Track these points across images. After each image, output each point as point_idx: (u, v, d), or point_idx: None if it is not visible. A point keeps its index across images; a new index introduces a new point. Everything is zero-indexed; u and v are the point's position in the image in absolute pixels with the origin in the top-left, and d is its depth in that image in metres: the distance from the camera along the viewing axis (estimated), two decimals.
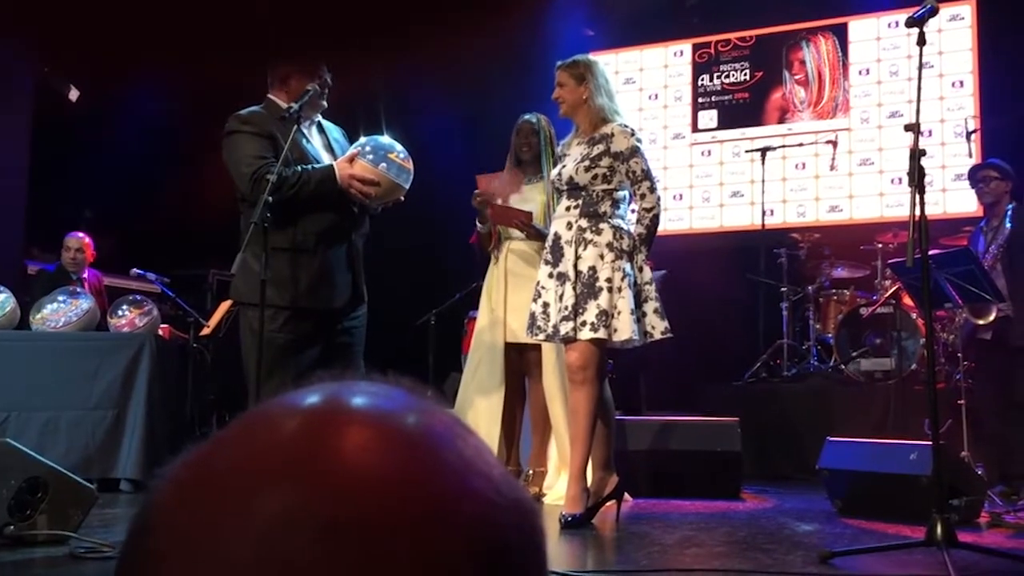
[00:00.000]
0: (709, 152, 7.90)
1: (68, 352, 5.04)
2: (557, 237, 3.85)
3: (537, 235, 4.46)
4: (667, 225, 7.93)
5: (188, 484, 0.43)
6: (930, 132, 6.93)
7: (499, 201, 4.52)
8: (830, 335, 6.22)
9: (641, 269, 3.82)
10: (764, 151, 6.97)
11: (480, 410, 4.55)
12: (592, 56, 4.02)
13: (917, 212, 2.89)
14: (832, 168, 7.19)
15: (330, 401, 0.45)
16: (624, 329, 3.66)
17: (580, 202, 3.82)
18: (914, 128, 2.99)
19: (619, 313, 3.67)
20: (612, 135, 3.83)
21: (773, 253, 6.63)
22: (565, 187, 3.87)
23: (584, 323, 3.67)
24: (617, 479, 3.88)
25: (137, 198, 7.33)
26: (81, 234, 6.37)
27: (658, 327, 3.80)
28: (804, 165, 7.56)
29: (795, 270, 6.59)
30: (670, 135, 8.05)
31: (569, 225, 3.82)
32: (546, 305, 3.84)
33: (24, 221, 7.30)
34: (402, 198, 3.72)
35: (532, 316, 3.90)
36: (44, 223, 7.20)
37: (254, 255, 3.47)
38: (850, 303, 6.27)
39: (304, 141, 3.67)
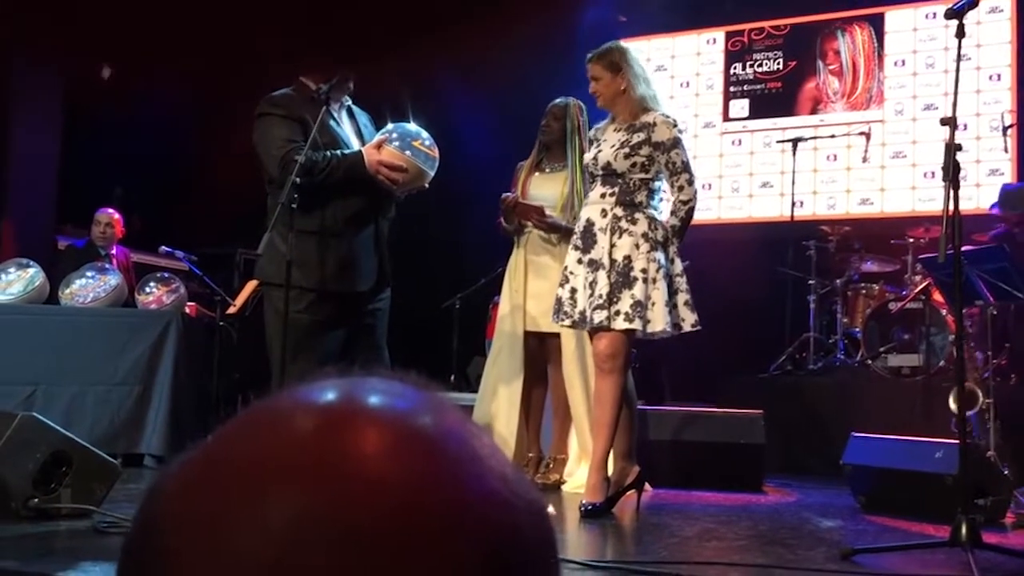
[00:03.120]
0: (740, 141, 7.83)
1: (96, 328, 5.08)
2: (590, 224, 3.78)
3: (551, 228, 4.43)
4: (695, 215, 7.87)
5: (200, 478, 0.42)
6: (965, 126, 6.82)
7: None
8: (858, 329, 6.16)
9: (673, 260, 3.78)
10: (795, 142, 6.90)
11: (501, 397, 4.55)
12: (623, 43, 3.96)
13: (951, 207, 2.84)
14: (864, 160, 7.11)
15: (345, 399, 0.44)
16: (658, 320, 3.63)
17: (616, 189, 3.76)
18: (950, 122, 2.94)
19: (653, 304, 3.64)
20: (655, 124, 3.76)
21: (802, 245, 6.56)
22: (600, 172, 3.80)
23: (618, 312, 3.62)
24: (638, 469, 3.87)
25: (166, 176, 7.37)
26: (111, 210, 6.45)
27: (688, 319, 3.76)
28: (836, 157, 7.48)
29: (824, 263, 6.52)
30: (701, 124, 7.98)
31: (604, 212, 3.75)
32: (574, 291, 3.78)
33: (55, 197, 7.37)
34: (426, 185, 3.73)
35: (559, 301, 3.85)
36: (75, 200, 7.26)
37: (280, 236, 3.49)
38: (879, 298, 6.20)
39: (334, 124, 3.69)
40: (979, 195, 6.87)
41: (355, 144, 3.70)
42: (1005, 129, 6.14)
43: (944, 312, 5.62)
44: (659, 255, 3.69)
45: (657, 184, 3.81)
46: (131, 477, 4.13)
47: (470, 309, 6.67)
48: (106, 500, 3.26)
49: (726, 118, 7.90)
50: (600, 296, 3.67)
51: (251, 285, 6.12)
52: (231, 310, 5.93)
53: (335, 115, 3.73)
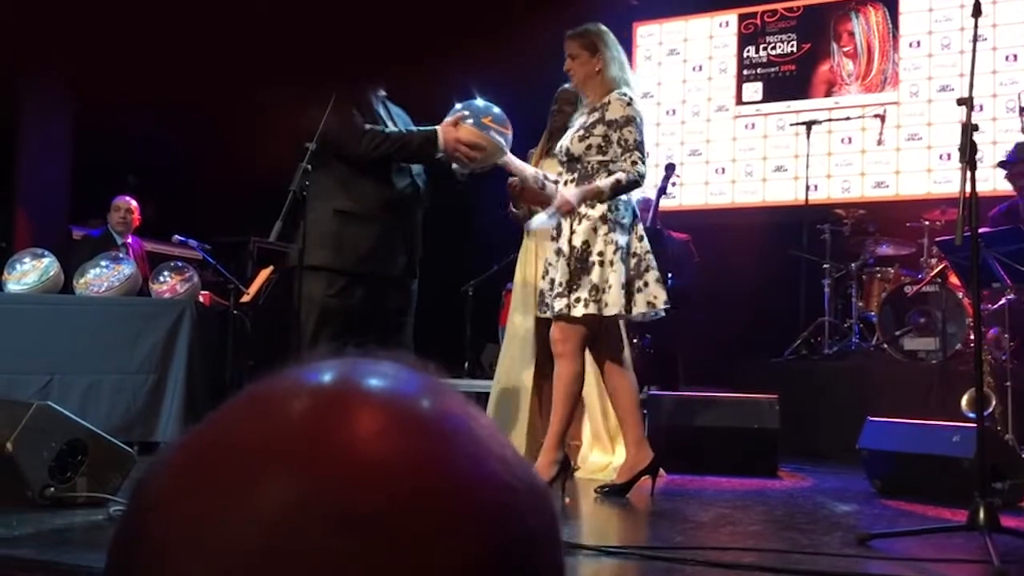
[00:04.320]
0: (753, 125, 7.78)
1: (110, 317, 5.10)
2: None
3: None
4: (708, 199, 7.85)
5: (190, 465, 0.41)
6: (981, 107, 6.75)
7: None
8: (873, 313, 6.12)
9: (641, 239, 3.75)
10: (810, 124, 6.86)
11: (514, 383, 4.55)
12: (603, 27, 3.88)
13: (968, 189, 2.81)
14: (879, 143, 7.05)
15: (342, 381, 0.43)
16: (614, 303, 3.60)
17: (576, 175, 3.74)
18: (967, 102, 2.91)
19: (609, 287, 3.61)
20: (608, 103, 3.71)
21: (816, 229, 6.53)
22: (564, 159, 3.79)
23: (578, 300, 3.61)
24: (652, 455, 3.85)
25: (179, 164, 7.38)
26: (128, 197, 6.49)
27: (660, 297, 3.72)
28: (850, 139, 7.42)
29: (838, 246, 6.48)
30: (714, 107, 7.93)
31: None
32: (552, 281, 3.78)
33: (69, 187, 7.39)
34: (499, 163, 3.74)
35: (540, 292, 3.86)
36: (89, 189, 7.28)
37: (311, 220, 3.56)
38: (894, 281, 6.16)
39: (383, 110, 3.76)
40: (995, 176, 6.80)
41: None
42: (1021, 110, 6.08)
43: (960, 295, 5.57)
44: (618, 236, 3.64)
45: (618, 166, 3.72)
46: (147, 466, 4.15)
47: (483, 296, 6.67)
48: (122, 489, 3.27)
49: (739, 101, 7.85)
50: (560, 284, 3.66)
51: (264, 273, 6.14)
52: (245, 298, 5.94)
53: (378, 104, 3.82)
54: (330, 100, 3.72)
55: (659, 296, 3.72)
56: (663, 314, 3.78)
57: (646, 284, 3.71)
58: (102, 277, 5.31)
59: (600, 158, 3.71)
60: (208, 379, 5.24)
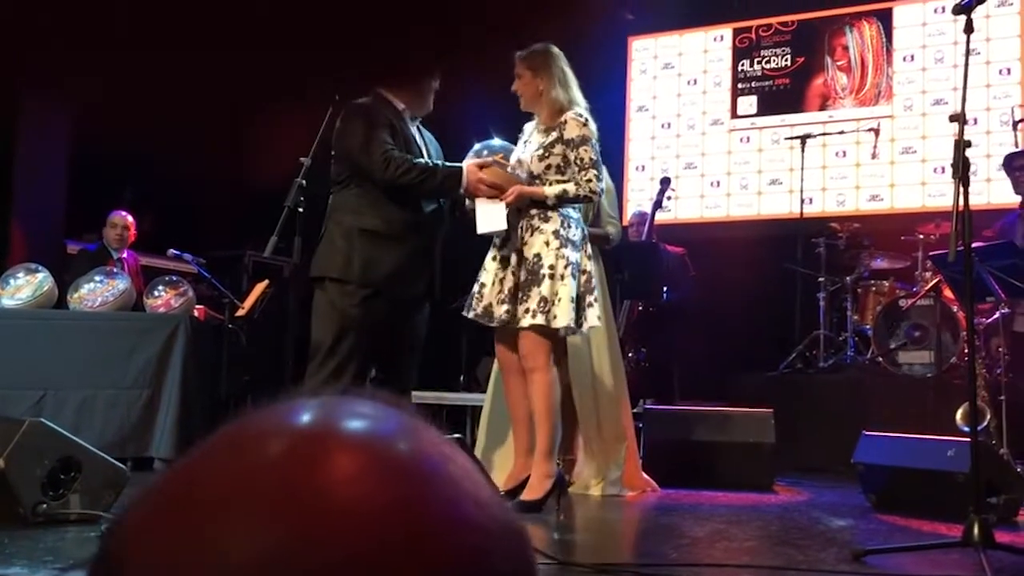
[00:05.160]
0: (748, 139, 7.80)
1: (104, 332, 5.08)
2: (509, 223, 3.84)
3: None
4: (704, 212, 7.86)
5: (161, 510, 0.40)
6: (975, 120, 6.78)
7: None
8: (868, 327, 6.13)
9: (590, 257, 3.85)
10: (804, 138, 6.87)
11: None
12: (553, 48, 3.94)
13: (961, 204, 2.82)
14: (874, 156, 7.07)
15: (319, 423, 0.42)
16: (563, 316, 3.66)
17: None
18: (959, 118, 2.92)
19: (559, 300, 3.67)
20: (565, 123, 3.80)
21: (811, 242, 6.53)
22: (525, 177, 3.84)
23: (527, 310, 3.68)
24: (557, 472, 3.84)
25: (175, 178, 7.37)
26: (124, 212, 6.47)
27: (590, 318, 3.81)
28: (845, 153, 7.44)
29: (833, 260, 6.49)
30: (709, 121, 7.95)
31: (520, 211, 3.79)
32: (483, 285, 3.84)
33: (65, 201, 7.38)
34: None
35: (470, 295, 3.91)
36: (85, 203, 7.27)
37: (337, 233, 3.63)
38: (889, 294, 6.17)
39: (418, 136, 3.83)
40: (989, 190, 6.83)
41: (430, 158, 3.87)
42: (1015, 124, 6.11)
43: (955, 309, 5.58)
44: (569, 252, 3.72)
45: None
46: (140, 482, 4.13)
47: None
48: (115, 506, 3.26)
49: (734, 115, 7.87)
50: (507, 291, 3.74)
51: (259, 287, 6.14)
52: (240, 313, 5.94)
53: (413, 128, 3.89)
54: (339, 115, 3.77)
55: (590, 318, 3.81)
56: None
57: (596, 300, 3.82)
58: (96, 292, 5.30)
59: (559, 177, 3.79)
60: (203, 394, 5.23)
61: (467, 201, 4.49)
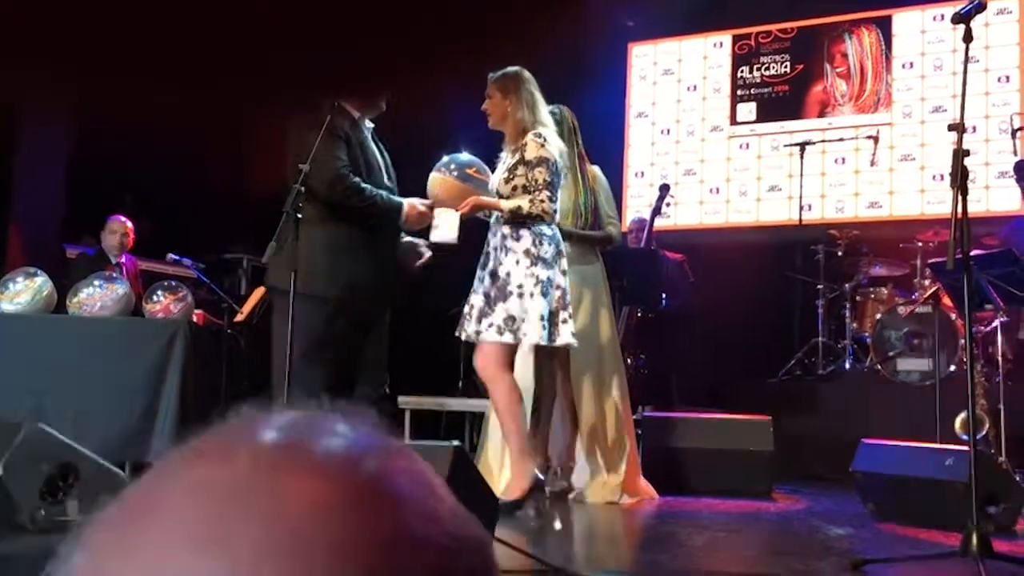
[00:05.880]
0: (747, 145, 7.81)
1: (103, 337, 5.08)
2: (486, 243, 3.98)
3: (565, 236, 4.44)
4: (703, 219, 7.87)
5: (108, 533, 0.39)
6: (974, 128, 6.79)
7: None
8: (867, 334, 6.13)
9: (564, 273, 3.92)
10: (803, 145, 6.88)
11: None
12: (524, 71, 4.03)
13: (959, 213, 2.82)
14: (873, 163, 7.08)
15: (279, 442, 0.41)
16: (533, 333, 3.77)
17: (503, 216, 3.91)
18: (958, 128, 2.92)
19: (528, 318, 3.77)
20: (526, 144, 3.89)
21: (810, 249, 6.54)
22: (497, 196, 3.94)
23: (491, 325, 3.78)
24: (536, 474, 3.91)
25: (174, 182, 7.37)
26: (123, 218, 6.47)
27: (563, 334, 3.90)
28: (844, 160, 7.45)
29: (832, 267, 6.49)
30: (708, 127, 7.96)
31: (495, 232, 3.93)
32: (471, 307, 3.94)
33: (64, 205, 7.38)
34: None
35: (460, 316, 4.00)
36: (84, 207, 7.27)
37: (301, 246, 3.60)
38: (888, 302, 6.17)
39: (372, 144, 3.84)
40: (988, 197, 6.84)
41: (382, 169, 3.91)
42: (1014, 132, 6.11)
43: (954, 316, 5.58)
44: (539, 270, 3.81)
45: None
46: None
47: None
48: None
49: (733, 121, 7.88)
50: (476, 309, 3.86)
51: (259, 292, 6.13)
52: (239, 317, 5.94)
53: (368, 139, 3.92)
54: (317, 123, 3.76)
55: (562, 334, 3.89)
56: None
57: (570, 316, 3.91)
58: (95, 296, 5.29)
59: (530, 197, 3.86)
60: (202, 399, 5.22)
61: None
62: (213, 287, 6.13)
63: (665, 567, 2.85)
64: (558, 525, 3.59)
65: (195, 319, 5.62)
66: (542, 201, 3.81)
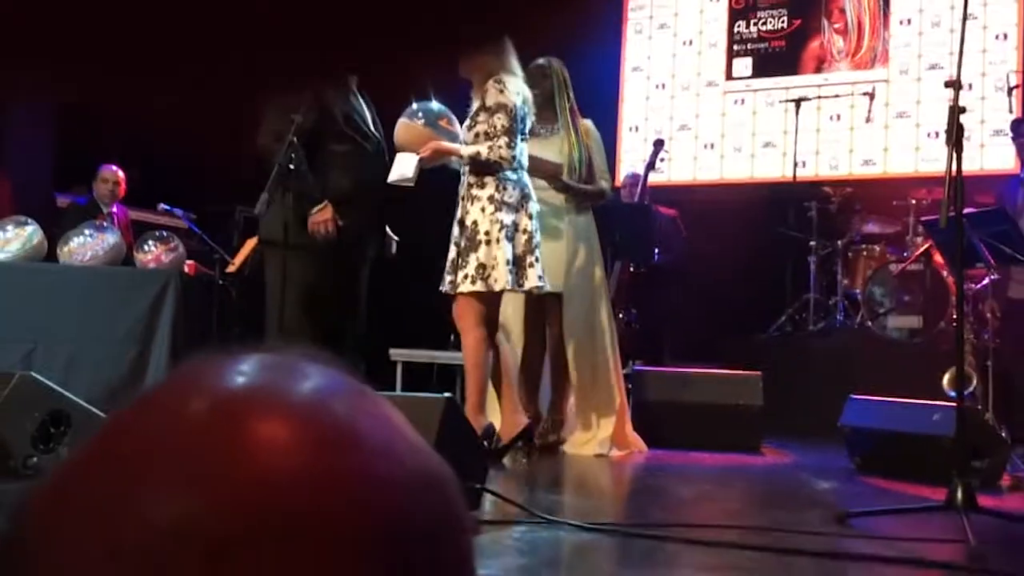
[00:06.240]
0: (743, 101, 7.76)
1: (94, 286, 5.07)
2: (458, 194, 3.99)
3: (564, 188, 4.42)
4: (697, 174, 7.84)
5: (66, 484, 0.39)
6: (970, 86, 6.74)
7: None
8: (858, 291, 6.15)
9: (531, 216, 3.93)
10: (799, 101, 6.84)
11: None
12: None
13: (954, 170, 2.82)
14: (868, 120, 7.05)
15: (245, 384, 0.41)
16: (501, 279, 3.79)
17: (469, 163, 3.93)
18: (955, 84, 2.90)
19: (496, 265, 3.79)
20: (487, 90, 3.88)
21: (803, 206, 6.53)
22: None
23: (466, 276, 3.81)
24: (527, 422, 4.00)
25: (165, 132, 7.31)
26: (115, 167, 6.41)
27: (531, 278, 3.93)
28: (839, 116, 7.41)
29: (825, 224, 6.49)
30: (703, 82, 7.90)
31: (462, 181, 3.95)
32: (449, 260, 3.99)
33: (53, 154, 7.32)
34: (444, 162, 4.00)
35: (444, 270, 4.03)
36: (74, 156, 7.21)
37: (282, 195, 3.61)
38: (880, 259, 6.18)
39: (356, 102, 3.89)
40: (983, 156, 6.82)
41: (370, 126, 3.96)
42: (1010, 90, 6.08)
43: (945, 274, 5.60)
44: (503, 215, 3.82)
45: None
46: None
47: None
48: None
49: (729, 77, 7.82)
50: (450, 262, 3.90)
51: (250, 243, 6.11)
52: (230, 268, 5.92)
53: (355, 98, 3.96)
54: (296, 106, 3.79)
55: (543, 273, 3.94)
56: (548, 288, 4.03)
57: (537, 260, 3.91)
58: (86, 246, 5.28)
59: (488, 144, 3.87)
60: (192, 349, 5.20)
61: None
62: (204, 238, 6.10)
63: (653, 518, 2.88)
64: (504, 465, 3.65)
65: (186, 269, 5.62)
66: (500, 148, 3.81)
